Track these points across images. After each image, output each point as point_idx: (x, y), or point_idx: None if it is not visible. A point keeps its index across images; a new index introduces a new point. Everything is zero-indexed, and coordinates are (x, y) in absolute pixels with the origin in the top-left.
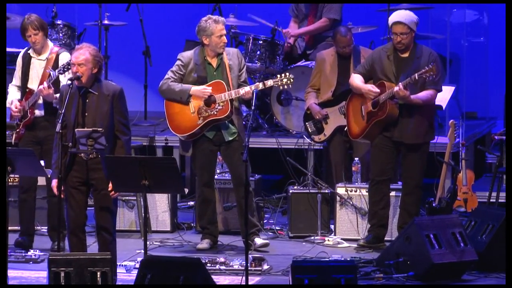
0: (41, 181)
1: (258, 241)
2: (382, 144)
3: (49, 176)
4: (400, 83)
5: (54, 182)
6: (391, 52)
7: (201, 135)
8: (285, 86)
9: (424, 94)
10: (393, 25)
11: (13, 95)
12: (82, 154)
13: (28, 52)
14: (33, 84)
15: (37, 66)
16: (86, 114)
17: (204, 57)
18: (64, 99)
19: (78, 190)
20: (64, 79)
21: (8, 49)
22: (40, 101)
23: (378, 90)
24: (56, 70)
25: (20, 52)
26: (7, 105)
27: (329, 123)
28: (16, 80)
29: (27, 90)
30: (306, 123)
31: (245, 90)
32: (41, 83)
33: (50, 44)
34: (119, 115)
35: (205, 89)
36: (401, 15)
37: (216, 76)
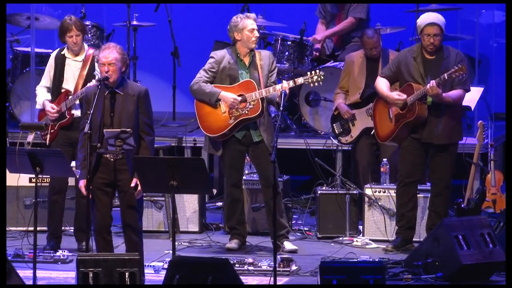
0: (71, 181)
1: (287, 245)
2: (410, 146)
3: (77, 176)
4: (432, 81)
5: (82, 183)
6: (417, 54)
7: (231, 135)
8: (315, 84)
9: (453, 93)
10: (426, 26)
11: (43, 96)
12: (108, 155)
13: (62, 53)
14: (68, 85)
15: (73, 67)
16: (112, 114)
17: (237, 55)
18: (92, 100)
19: (103, 191)
20: None
21: (37, 50)
22: (77, 101)
23: (404, 96)
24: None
25: (52, 53)
26: (38, 106)
27: (356, 124)
28: (46, 81)
29: (63, 91)
30: (334, 125)
31: (276, 88)
32: (77, 84)
33: (85, 46)
34: (144, 116)
35: (234, 100)
36: (434, 17)
37: (248, 74)
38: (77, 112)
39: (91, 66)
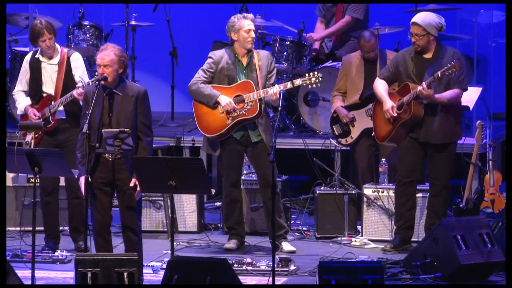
0: (62, 182)
1: (286, 246)
2: (409, 146)
3: (76, 176)
4: (423, 83)
5: (82, 179)
6: (415, 54)
7: (229, 135)
8: (314, 85)
9: (449, 93)
10: (411, 25)
11: (24, 101)
12: (107, 155)
13: (36, 57)
14: (47, 88)
15: (50, 71)
16: (110, 114)
17: (235, 55)
18: (91, 99)
19: (102, 191)
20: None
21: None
22: (61, 107)
23: (395, 115)
24: (90, 81)
25: (25, 57)
26: (19, 111)
27: (356, 125)
28: (23, 85)
29: (44, 95)
30: (333, 126)
31: (274, 89)
32: (57, 88)
33: (58, 46)
34: (142, 117)
35: (229, 104)
36: (420, 17)
37: (246, 74)
38: (59, 116)
39: (68, 67)
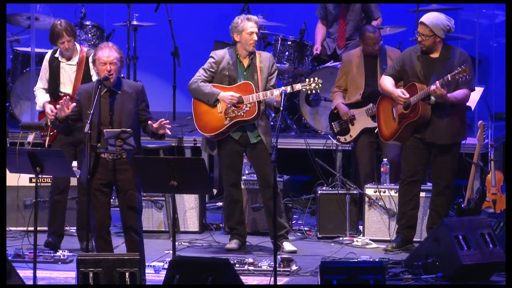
0: (73, 181)
1: (287, 246)
2: (413, 145)
3: (77, 176)
4: (437, 82)
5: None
6: (421, 53)
7: (227, 135)
8: (313, 91)
9: (458, 93)
10: (419, 23)
11: (43, 97)
12: (106, 155)
13: (56, 56)
14: (65, 88)
15: (68, 71)
16: (111, 113)
17: (237, 56)
18: (92, 99)
19: (102, 192)
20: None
21: (37, 50)
22: None
23: (408, 96)
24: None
25: (46, 55)
26: (38, 108)
27: (355, 124)
28: (43, 83)
29: (61, 94)
30: (332, 123)
31: (274, 93)
32: (74, 88)
33: (77, 46)
34: (147, 110)
35: (232, 97)
36: (428, 17)
37: (246, 76)
38: None
39: (86, 67)
